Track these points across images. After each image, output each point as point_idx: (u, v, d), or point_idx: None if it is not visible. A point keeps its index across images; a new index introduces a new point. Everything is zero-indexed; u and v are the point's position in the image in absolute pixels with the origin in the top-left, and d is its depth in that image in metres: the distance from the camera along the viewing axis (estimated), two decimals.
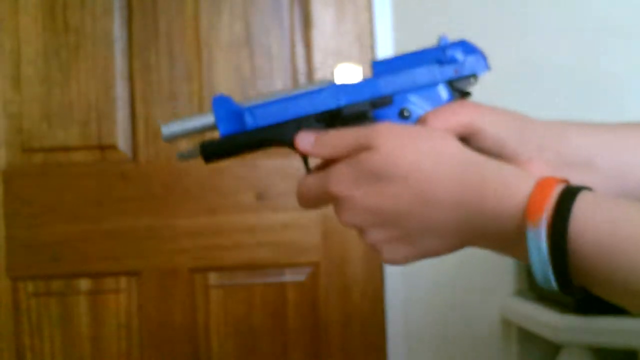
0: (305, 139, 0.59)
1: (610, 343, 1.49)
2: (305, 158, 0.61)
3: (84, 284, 1.85)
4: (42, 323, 1.84)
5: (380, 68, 0.62)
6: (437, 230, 0.54)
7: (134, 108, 1.85)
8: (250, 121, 0.61)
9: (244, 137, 0.61)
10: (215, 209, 1.85)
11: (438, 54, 0.61)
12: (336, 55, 1.87)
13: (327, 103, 0.60)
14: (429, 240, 0.54)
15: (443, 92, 0.61)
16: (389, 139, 0.54)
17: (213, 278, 1.86)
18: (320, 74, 1.87)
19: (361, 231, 0.56)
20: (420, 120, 0.59)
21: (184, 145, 1.58)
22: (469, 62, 0.61)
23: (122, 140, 1.86)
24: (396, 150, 0.54)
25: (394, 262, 0.57)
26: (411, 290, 1.88)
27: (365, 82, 0.61)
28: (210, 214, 1.85)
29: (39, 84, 1.84)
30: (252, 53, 1.87)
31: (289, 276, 1.87)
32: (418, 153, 0.54)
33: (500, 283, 1.88)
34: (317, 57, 1.87)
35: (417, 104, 0.61)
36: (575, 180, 0.54)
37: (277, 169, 1.86)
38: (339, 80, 0.62)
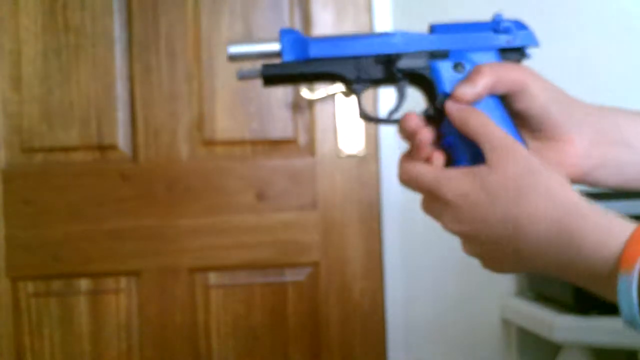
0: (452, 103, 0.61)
1: (610, 343, 1.49)
2: (398, 104, 0.65)
3: (84, 284, 1.85)
4: (42, 323, 1.84)
5: (439, 29, 0.66)
6: (530, 262, 0.57)
7: (134, 108, 1.85)
8: (313, 52, 0.64)
9: (304, 65, 0.64)
10: (216, 209, 1.85)
11: (493, 25, 0.66)
12: None
13: (388, 47, 0.64)
14: (531, 261, 0.57)
15: (495, 58, 0.65)
16: (511, 164, 0.57)
17: (213, 278, 1.86)
18: None
19: (461, 238, 0.61)
20: (475, 69, 0.62)
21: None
22: (520, 35, 0.66)
23: (122, 140, 1.86)
24: (515, 177, 0.56)
25: (494, 271, 0.61)
26: (411, 289, 1.88)
27: (425, 35, 0.65)
28: (210, 214, 1.85)
29: (39, 84, 1.84)
30: None
31: (289, 276, 1.87)
32: (533, 187, 0.56)
33: (500, 283, 1.88)
34: None
35: (471, 62, 0.64)
36: (607, 154, 0.60)
37: (277, 169, 1.86)
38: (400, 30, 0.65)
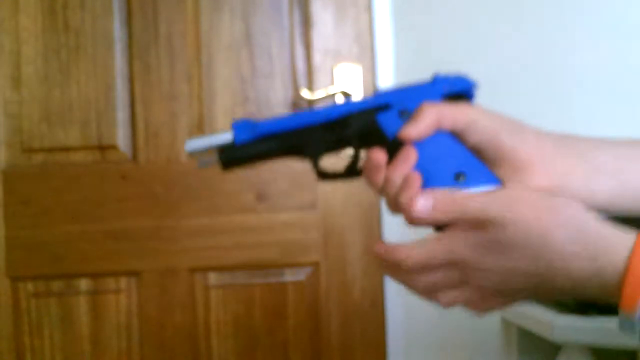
0: (422, 203, 0.58)
1: (610, 343, 1.49)
2: (355, 155, 0.67)
3: (84, 284, 1.85)
4: (42, 323, 1.84)
5: (382, 91, 0.68)
6: (557, 292, 0.56)
7: (134, 108, 1.85)
8: (261, 129, 0.66)
9: (257, 144, 0.66)
10: (215, 209, 1.85)
11: (433, 83, 0.67)
12: (336, 55, 1.87)
13: (334, 113, 0.66)
14: (545, 294, 0.57)
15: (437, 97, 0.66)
16: (519, 212, 0.55)
17: (213, 278, 1.86)
18: (320, 74, 1.87)
19: (483, 296, 0.59)
20: (418, 109, 0.62)
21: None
22: (458, 83, 0.66)
23: (122, 140, 1.86)
24: (528, 223, 0.54)
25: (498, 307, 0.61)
26: None
27: (366, 98, 0.67)
28: (210, 214, 1.85)
29: (39, 84, 1.84)
30: (252, 53, 1.87)
31: (289, 276, 1.87)
32: (549, 224, 0.54)
33: None
34: (317, 58, 1.87)
35: (414, 106, 0.65)
36: (571, 178, 0.58)
37: (277, 169, 1.86)
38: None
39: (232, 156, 0.66)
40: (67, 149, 1.85)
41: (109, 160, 1.86)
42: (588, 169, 0.60)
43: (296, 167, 1.87)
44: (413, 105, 0.64)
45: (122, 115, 1.85)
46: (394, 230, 1.87)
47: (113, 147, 1.85)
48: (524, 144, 0.59)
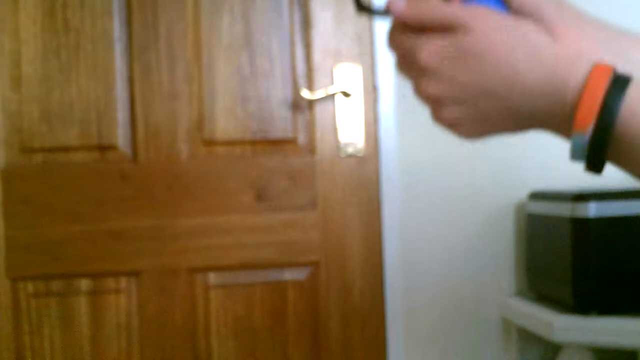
0: (396, 1, 0.61)
1: (610, 343, 1.49)
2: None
3: (84, 284, 1.85)
4: (42, 323, 1.84)
5: None
6: (518, 113, 0.57)
7: (134, 108, 1.85)
8: None
9: None
10: (216, 209, 1.85)
11: None
12: (336, 55, 1.87)
13: None
14: (505, 121, 0.59)
15: None
16: (486, 23, 0.57)
17: (213, 278, 1.86)
18: (320, 74, 1.87)
19: (439, 104, 0.59)
20: None
21: None
22: None
23: (122, 140, 1.86)
24: (492, 35, 0.57)
25: (468, 139, 0.61)
26: (411, 290, 1.88)
27: None
28: (210, 214, 1.85)
29: (39, 84, 1.84)
30: (252, 53, 1.87)
31: (289, 276, 1.87)
32: (512, 40, 0.57)
33: (500, 283, 1.88)
34: (317, 57, 1.87)
35: None
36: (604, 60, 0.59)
37: (277, 168, 1.86)
38: None
39: None
40: (67, 149, 1.85)
41: (109, 160, 1.86)
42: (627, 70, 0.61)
43: (296, 167, 1.87)
44: None
45: (122, 115, 1.85)
46: (394, 230, 1.87)
47: (113, 147, 1.85)
48: (563, 20, 0.60)
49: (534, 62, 0.56)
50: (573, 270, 1.55)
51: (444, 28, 0.58)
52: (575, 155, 0.55)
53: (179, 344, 1.85)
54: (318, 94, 1.84)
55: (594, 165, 0.55)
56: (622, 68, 0.57)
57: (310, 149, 1.88)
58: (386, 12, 0.62)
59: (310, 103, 1.86)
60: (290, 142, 1.88)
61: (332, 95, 1.85)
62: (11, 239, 1.83)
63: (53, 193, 1.84)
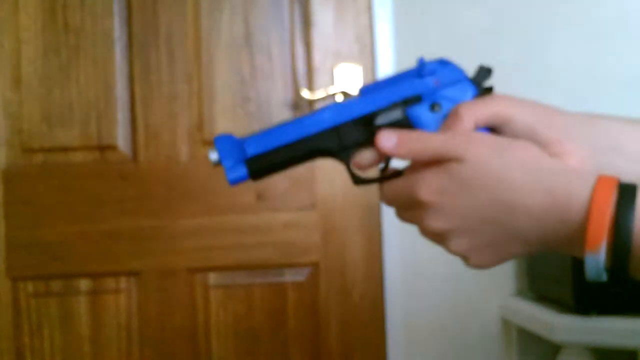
0: (387, 138, 0.61)
1: (610, 343, 1.49)
2: (387, 159, 0.64)
3: (84, 284, 1.85)
4: (42, 323, 1.84)
5: (368, 89, 0.65)
6: (523, 237, 0.56)
7: (134, 108, 1.85)
8: (293, 134, 0.65)
9: (288, 149, 0.65)
10: (215, 209, 1.85)
11: (417, 70, 0.64)
12: (336, 55, 1.87)
13: (361, 109, 0.63)
14: (514, 246, 0.57)
15: (468, 87, 0.64)
16: (478, 150, 0.56)
17: (213, 278, 1.86)
18: (320, 74, 1.87)
19: (446, 238, 0.58)
20: (453, 112, 0.61)
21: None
22: (445, 73, 0.64)
23: (122, 140, 1.86)
24: (486, 161, 0.56)
25: (481, 267, 0.59)
26: (411, 290, 1.88)
27: (385, 90, 0.64)
28: (210, 214, 1.85)
29: (39, 84, 1.84)
30: (252, 53, 1.87)
31: (289, 276, 1.87)
32: (506, 163, 0.56)
33: (500, 283, 1.88)
34: (317, 57, 1.87)
35: (446, 99, 0.63)
36: (603, 163, 0.58)
37: None
38: (342, 100, 0.65)
39: (262, 165, 0.66)
40: (67, 149, 1.85)
41: (109, 160, 1.86)
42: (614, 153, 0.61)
43: (296, 167, 1.87)
44: (445, 96, 0.63)
45: (122, 115, 1.85)
46: (394, 230, 1.87)
47: (113, 147, 1.85)
48: (556, 139, 0.60)
49: (533, 183, 0.55)
50: (573, 271, 1.55)
51: (437, 161, 0.58)
52: (591, 275, 0.53)
53: (178, 344, 1.85)
54: (318, 94, 1.84)
55: (617, 282, 0.53)
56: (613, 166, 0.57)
57: None
58: (383, 177, 0.63)
59: (311, 103, 1.86)
60: None
61: (332, 95, 1.85)
62: (11, 239, 1.83)
63: (53, 193, 1.84)
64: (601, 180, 0.52)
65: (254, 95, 1.87)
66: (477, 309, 1.89)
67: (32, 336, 1.84)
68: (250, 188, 1.86)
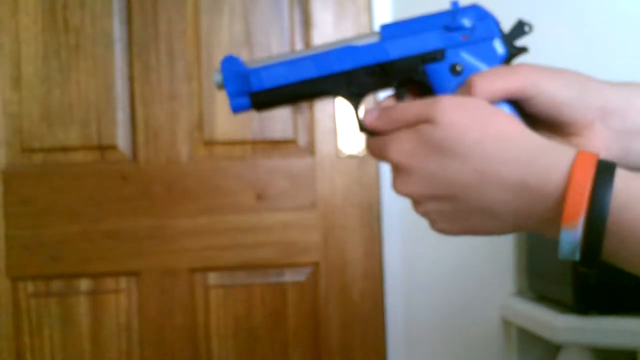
0: (369, 115, 0.59)
1: (610, 343, 1.49)
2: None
3: (84, 284, 1.85)
4: (42, 323, 1.84)
5: (389, 30, 0.61)
6: (495, 210, 0.54)
7: (134, 108, 1.85)
8: (303, 73, 0.61)
9: (295, 87, 0.61)
10: (216, 209, 1.85)
11: (450, 17, 0.61)
12: None
13: (377, 56, 0.60)
14: (483, 219, 0.54)
15: (499, 47, 0.60)
16: (453, 115, 0.54)
17: (213, 278, 1.86)
18: None
19: (414, 201, 0.57)
20: (466, 84, 0.57)
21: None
22: (479, 28, 0.61)
23: (122, 140, 1.86)
24: (460, 127, 0.53)
25: (445, 234, 0.57)
26: (411, 290, 1.88)
27: (407, 39, 0.61)
28: (210, 214, 1.85)
29: (39, 84, 1.84)
30: (252, 53, 1.87)
31: (289, 276, 1.87)
32: (482, 133, 0.53)
33: (500, 283, 1.88)
34: None
35: (469, 62, 0.59)
36: (627, 148, 0.56)
37: (277, 169, 1.86)
38: (384, 35, 0.61)
39: (268, 98, 0.62)
40: (67, 149, 1.85)
41: (109, 160, 1.86)
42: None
43: (296, 167, 1.87)
44: (467, 60, 0.59)
45: (122, 115, 1.85)
46: (394, 230, 1.87)
47: (113, 147, 1.85)
48: (582, 119, 0.57)
49: (509, 155, 0.52)
50: (573, 270, 1.55)
51: (411, 125, 0.55)
52: (564, 252, 0.51)
53: (178, 344, 1.85)
54: None
55: (589, 261, 0.51)
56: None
57: (310, 149, 1.88)
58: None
59: (310, 103, 1.86)
60: (291, 142, 1.88)
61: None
62: (11, 239, 1.83)
63: (53, 193, 1.84)
64: (581, 155, 0.51)
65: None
66: (477, 309, 1.89)
67: (32, 336, 1.84)
68: (250, 188, 1.86)
